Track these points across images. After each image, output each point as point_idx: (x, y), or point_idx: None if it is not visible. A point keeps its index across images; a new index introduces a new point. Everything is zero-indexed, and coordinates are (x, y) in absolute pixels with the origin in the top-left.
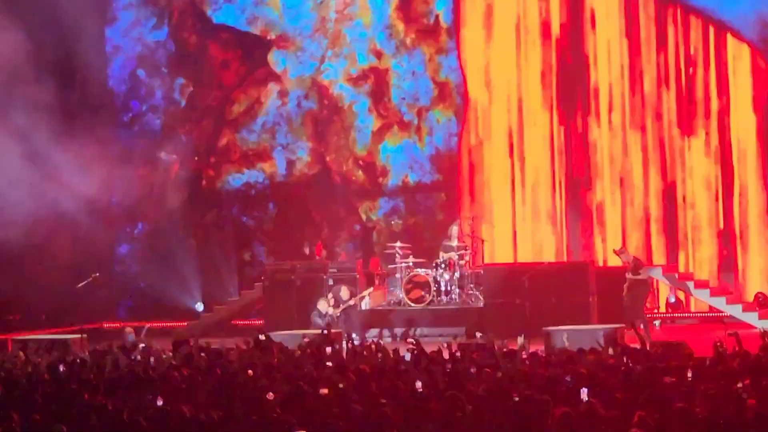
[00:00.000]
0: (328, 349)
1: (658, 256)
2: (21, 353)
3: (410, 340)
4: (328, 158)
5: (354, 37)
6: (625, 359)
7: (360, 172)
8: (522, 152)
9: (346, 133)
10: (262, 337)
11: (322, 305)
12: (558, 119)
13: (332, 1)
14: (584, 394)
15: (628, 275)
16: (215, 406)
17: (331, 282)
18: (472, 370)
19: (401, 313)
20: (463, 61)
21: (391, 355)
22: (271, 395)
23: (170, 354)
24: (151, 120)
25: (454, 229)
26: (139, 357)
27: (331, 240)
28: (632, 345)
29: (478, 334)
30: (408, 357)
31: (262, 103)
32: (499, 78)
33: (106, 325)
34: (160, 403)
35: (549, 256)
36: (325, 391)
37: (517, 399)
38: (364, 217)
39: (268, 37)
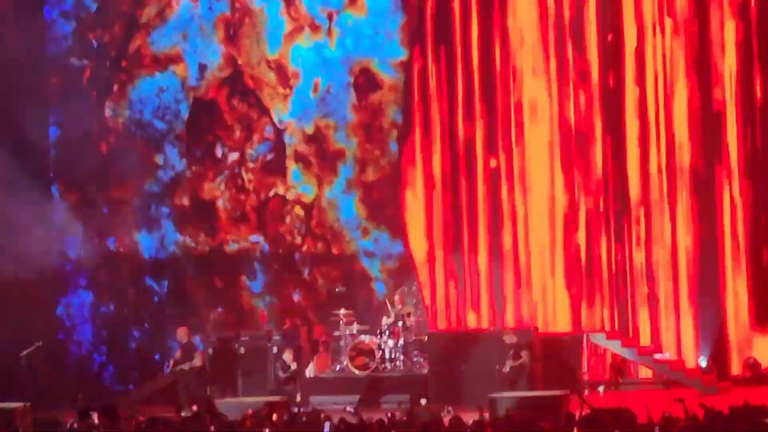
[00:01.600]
0: (274, 416)
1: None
2: None
3: (349, 408)
4: (239, 61)
5: None
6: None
7: (272, 74)
8: None
9: (258, 36)
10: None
11: (287, 356)
12: None
13: None
14: None
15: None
16: None
17: (275, 350)
18: None
19: (345, 380)
20: None
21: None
22: None
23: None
24: (61, 26)
25: (397, 297)
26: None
27: (242, 143)
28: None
29: (423, 401)
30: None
31: (173, 7)
32: None
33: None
34: None
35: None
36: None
37: None
38: (276, 118)
39: None
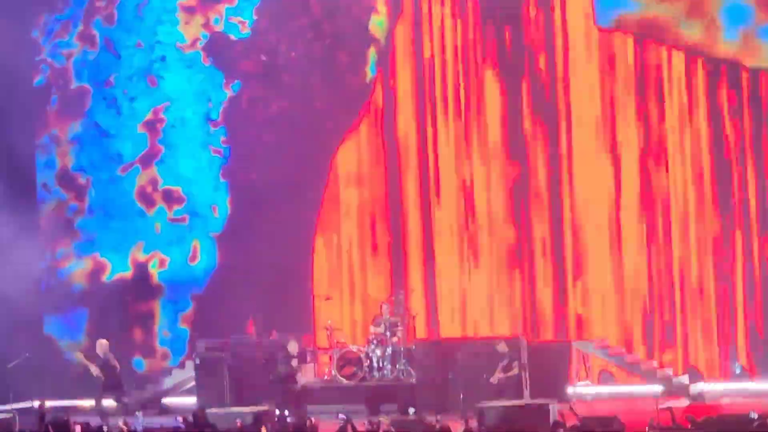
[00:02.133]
0: (263, 429)
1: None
2: None
3: (341, 416)
4: None
5: None
6: None
7: None
8: None
9: None
10: None
11: (292, 347)
12: None
13: None
14: None
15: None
16: None
17: (264, 361)
18: None
19: (333, 389)
20: None
21: None
22: None
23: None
24: None
25: (386, 306)
26: None
27: None
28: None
29: (411, 410)
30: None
31: None
32: None
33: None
34: None
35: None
36: None
37: None
38: None
39: None
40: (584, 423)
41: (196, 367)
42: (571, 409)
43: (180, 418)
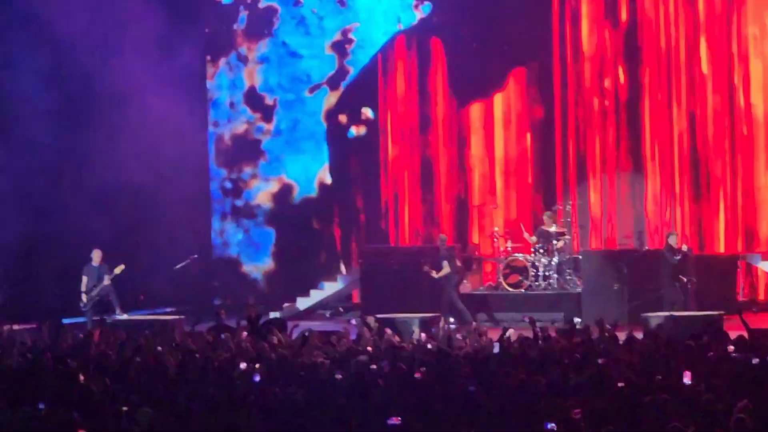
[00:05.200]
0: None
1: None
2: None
3: (353, 321)
4: None
5: None
6: (728, 347)
7: None
8: None
9: None
10: None
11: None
12: None
13: None
14: (687, 378)
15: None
16: None
17: (426, 268)
18: (576, 355)
19: (498, 297)
20: None
21: (484, 341)
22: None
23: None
24: None
25: (548, 215)
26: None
27: None
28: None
29: (577, 320)
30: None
31: None
32: None
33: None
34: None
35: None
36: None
37: (621, 385)
38: None
39: None
40: (752, 334)
41: (362, 273)
42: (741, 319)
43: (354, 321)
